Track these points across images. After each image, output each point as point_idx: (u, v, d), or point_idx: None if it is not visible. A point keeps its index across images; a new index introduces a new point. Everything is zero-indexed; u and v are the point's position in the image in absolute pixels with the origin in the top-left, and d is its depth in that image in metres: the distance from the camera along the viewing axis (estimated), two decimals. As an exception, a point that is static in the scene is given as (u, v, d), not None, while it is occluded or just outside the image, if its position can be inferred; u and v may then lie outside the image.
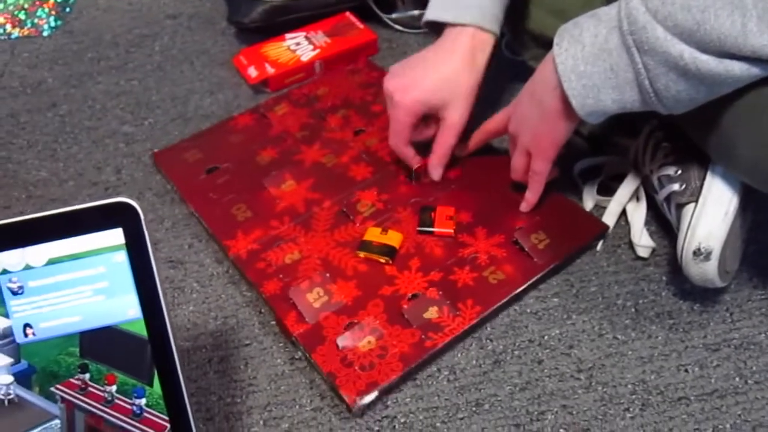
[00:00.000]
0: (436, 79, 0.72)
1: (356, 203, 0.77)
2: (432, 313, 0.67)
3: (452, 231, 0.73)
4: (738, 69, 0.52)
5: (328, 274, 0.71)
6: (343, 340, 0.65)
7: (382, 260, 0.71)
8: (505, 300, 0.68)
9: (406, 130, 0.75)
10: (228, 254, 0.73)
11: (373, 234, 0.73)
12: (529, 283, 0.70)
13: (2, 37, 1.11)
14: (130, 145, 0.90)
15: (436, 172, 0.78)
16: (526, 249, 0.72)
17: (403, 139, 0.76)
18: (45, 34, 1.11)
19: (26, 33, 1.12)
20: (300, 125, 0.88)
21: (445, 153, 0.76)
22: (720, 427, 0.61)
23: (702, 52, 0.52)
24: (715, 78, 0.53)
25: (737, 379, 0.64)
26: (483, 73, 0.73)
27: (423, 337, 0.65)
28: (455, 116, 0.73)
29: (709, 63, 0.52)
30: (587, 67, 0.58)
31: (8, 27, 1.12)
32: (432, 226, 0.74)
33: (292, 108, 0.90)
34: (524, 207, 0.75)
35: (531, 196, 0.74)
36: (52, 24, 1.13)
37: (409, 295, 0.69)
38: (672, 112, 0.58)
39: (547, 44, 0.65)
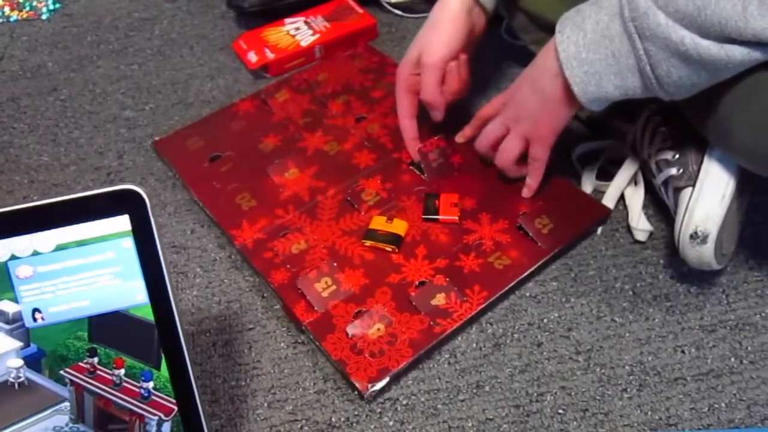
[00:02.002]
0: (420, 31, 0.76)
1: (361, 192, 0.78)
2: (440, 299, 0.68)
3: (457, 218, 0.74)
4: (739, 54, 0.52)
5: (335, 263, 0.71)
6: (353, 328, 0.66)
7: (389, 249, 0.72)
8: (511, 284, 0.69)
9: (404, 93, 0.77)
10: (234, 243, 0.74)
11: (379, 222, 0.74)
12: (535, 267, 0.70)
13: (1, 20, 1.11)
14: (132, 130, 0.91)
15: (432, 115, 0.78)
16: (531, 234, 0.72)
17: (407, 106, 0.77)
18: (44, 17, 1.11)
19: (25, 16, 1.11)
20: (302, 112, 0.88)
21: (427, 95, 0.75)
22: (716, 406, 0.62)
23: (703, 37, 0.52)
24: (716, 63, 0.53)
25: (733, 359, 0.65)
26: (461, 20, 0.73)
27: (432, 323, 0.66)
28: (425, 55, 0.74)
29: (710, 48, 0.52)
30: (589, 54, 0.58)
31: (7, 10, 1.12)
32: (437, 213, 0.74)
33: (293, 94, 0.90)
34: (526, 193, 0.75)
35: (532, 182, 0.74)
36: (51, 7, 1.12)
37: (417, 282, 0.69)
38: (673, 98, 0.59)
39: (547, 27, 0.65)
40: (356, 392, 0.63)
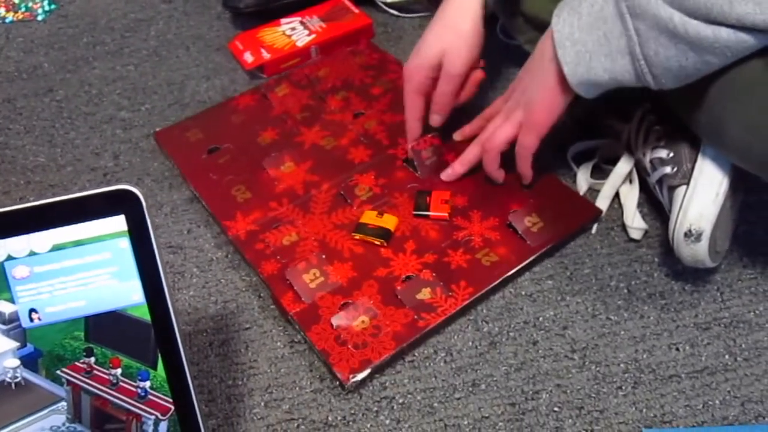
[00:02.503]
0: (435, 30, 0.74)
1: (354, 187, 0.78)
2: (425, 294, 0.68)
3: (447, 215, 0.74)
4: (725, 34, 0.53)
5: (324, 256, 0.72)
6: (338, 320, 0.67)
7: (377, 242, 0.72)
8: (497, 282, 0.69)
9: (415, 94, 0.76)
10: (227, 234, 0.75)
11: (369, 217, 0.74)
12: (521, 265, 0.71)
13: (-4, 22, 1.11)
14: (128, 130, 0.91)
15: (433, 119, 0.78)
16: (520, 232, 0.73)
17: (417, 107, 0.77)
18: (40, 18, 1.11)
19: (21, 17, 1.11)
20: (301, 107, 0.88)
21: (442, 101, 0.76)
22: (710, 403, 0.62)
23: (691, 18, 0.53)
24: (703, 42, 0.54)
25: (727, 356, 0.65)
26: (481, 25, 0.73)
27: (416, 317, 0.67)
28: (451, 64, 0.73)
29: (698, 27, 0.53)
30: (582, 35, 0.59)
31: (2, 11, 1.12)
32: (427, 209, 0.75)
33: (293, 89, 0.91)
34: (525, 181, 0.76)
35: (524, 171, 0.74)
36: (47, 8, 1.12)
37: (404, 276, 0.70)
38: (662, 86, 0.59)
39: (541, 27, 0.66)
40: (338, 382, 0.64)
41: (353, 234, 0.73)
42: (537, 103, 0.67)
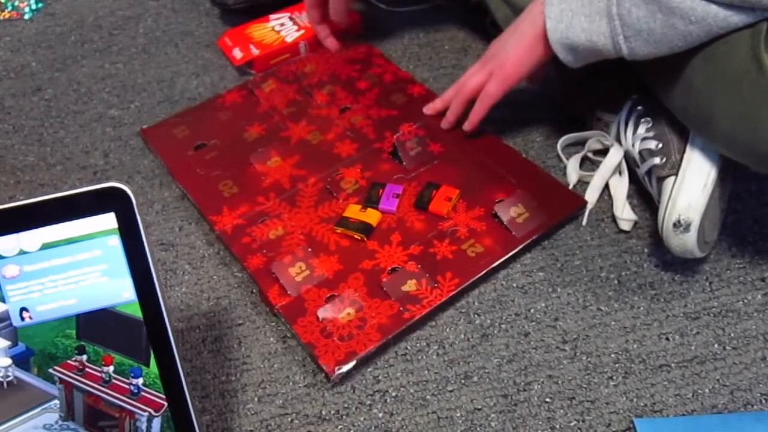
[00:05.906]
0: None
1: (340, 180, 0.78)
2: (411, 285, 0.69)
3: (445, 213, 0.74)
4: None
5: (310, 249, 0.72)
6: (324, 312, 0.67)
7: (357, 237, 0.73)
8: (483, 273, 0.70)
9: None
10: (214, 229, 0.75)
11: (353, 211, 0.75)
12: (507, 256, 0.71)
13: (-17, 21, 1.10)
14: (118, 128, 0.90)
15: (336, 18, 0.90)
16: (505, 222, 0.73)
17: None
18: (27, 17, 1.10)
19: (7, 16, 1.11)
20: (287, 102, 0.89)
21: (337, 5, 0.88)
22: (699, 392, 0.63)
23: None
24: (670, 3, 0.56)
25: (716, 345, 0.66)
26: None
27: (401, 309, 0.67)
28: None
29: None
30: None
31: (-11, 11, 1.11)
32: (427, 206, 0.75)
33: (279, 84, 0.91)
34: (466, 126, 0.79)
35: (474, 117, 0.78)
36: (34, 6, 1.12)
37: (389, 268, 0.70)
38: (634, 53, 0.61)
39: (516, 9, 0.70)
40: (324, 374, 0.64)
41: (335, 227, 0.74)
42: (511, 56, 0.71)
